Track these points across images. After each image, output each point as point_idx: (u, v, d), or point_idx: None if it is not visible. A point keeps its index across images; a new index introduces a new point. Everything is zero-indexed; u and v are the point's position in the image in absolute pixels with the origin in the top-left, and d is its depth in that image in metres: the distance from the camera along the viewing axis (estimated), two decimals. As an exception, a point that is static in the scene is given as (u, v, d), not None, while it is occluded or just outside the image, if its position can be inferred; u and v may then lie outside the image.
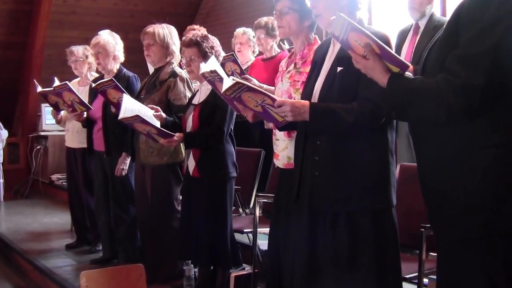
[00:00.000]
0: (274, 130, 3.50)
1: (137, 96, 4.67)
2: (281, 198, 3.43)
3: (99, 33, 5.31)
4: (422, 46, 4.72)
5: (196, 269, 4.48)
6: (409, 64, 2.26)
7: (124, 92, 4.43)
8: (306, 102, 2.73)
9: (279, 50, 5.87)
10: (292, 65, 3.46)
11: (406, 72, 2.27)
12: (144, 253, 4.85)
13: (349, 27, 2.30)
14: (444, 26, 2.24)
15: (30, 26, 9.59)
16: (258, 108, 2.78)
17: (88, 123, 5.39)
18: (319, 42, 3.30)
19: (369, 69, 2.31)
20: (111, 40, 5.23)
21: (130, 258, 5.00)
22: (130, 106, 4.07)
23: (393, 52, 2.29)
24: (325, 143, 2.79)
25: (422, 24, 4.91)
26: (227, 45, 5.83)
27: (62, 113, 5.74)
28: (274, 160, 3.60)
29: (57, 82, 5.10)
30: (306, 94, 2.94)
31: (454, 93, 2.06)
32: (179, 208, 4.50)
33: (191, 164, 4.25)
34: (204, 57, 4.20)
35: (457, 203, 2.15)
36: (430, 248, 3.16)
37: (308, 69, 3.19)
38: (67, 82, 5.05)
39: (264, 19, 5.85)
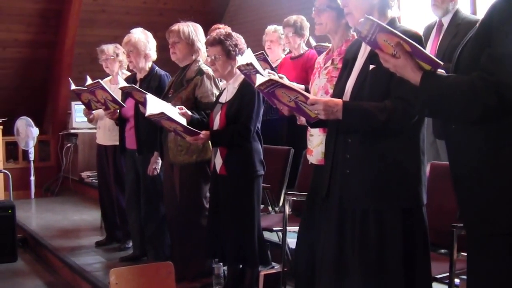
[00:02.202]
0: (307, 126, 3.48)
1: (165, 95, 4.69)
2: (315, 195, 3.42)
3: (131, 31, 5.27)
4: (445, 43, 4.67)
5: (225, 267, 4.48)
6: (441, 62, 2.25)
7: (146, 93, 4.42)
8: (339, 101, 2.72)
9: (306, 48, 5.85)
10: (330, 61, 3.47)
11: (439, 70, 2.26)
12: (173, 251, 4.87)
13: (377, 29, 2.30)
14: (477, 25, 2.25)
15: (60, 25, 9.71)
16: (291, 104, 2.82)
17: (121, 121, 5.39)
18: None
19: (399, 67, 2.31)
20: (142, 39, 5.20)
21: (160, 255, 5.01)
22: (154, 104, 4.09)
23: (424, 50, 2.28)
24: (356, 141, 2.78)
25: (446, 21, 4.84)
26: (254, 43, 5.82)
27: (94, 111, 5.75)
28: (308, 156, 3.59)
29: (89, 80, 5.07)
30: (338, 92, 2.94)
31: (488, 91, 2.06)
32: (208, 206, 4.51)
33: (218, 162, 4.25)
34: (228, 55, 4.19)
35: (488, 198, 2.16)
36: (461, 248, 3.12)
37: None
38: (99, 80, 5.04)
39: (293, 18, 5.83)
